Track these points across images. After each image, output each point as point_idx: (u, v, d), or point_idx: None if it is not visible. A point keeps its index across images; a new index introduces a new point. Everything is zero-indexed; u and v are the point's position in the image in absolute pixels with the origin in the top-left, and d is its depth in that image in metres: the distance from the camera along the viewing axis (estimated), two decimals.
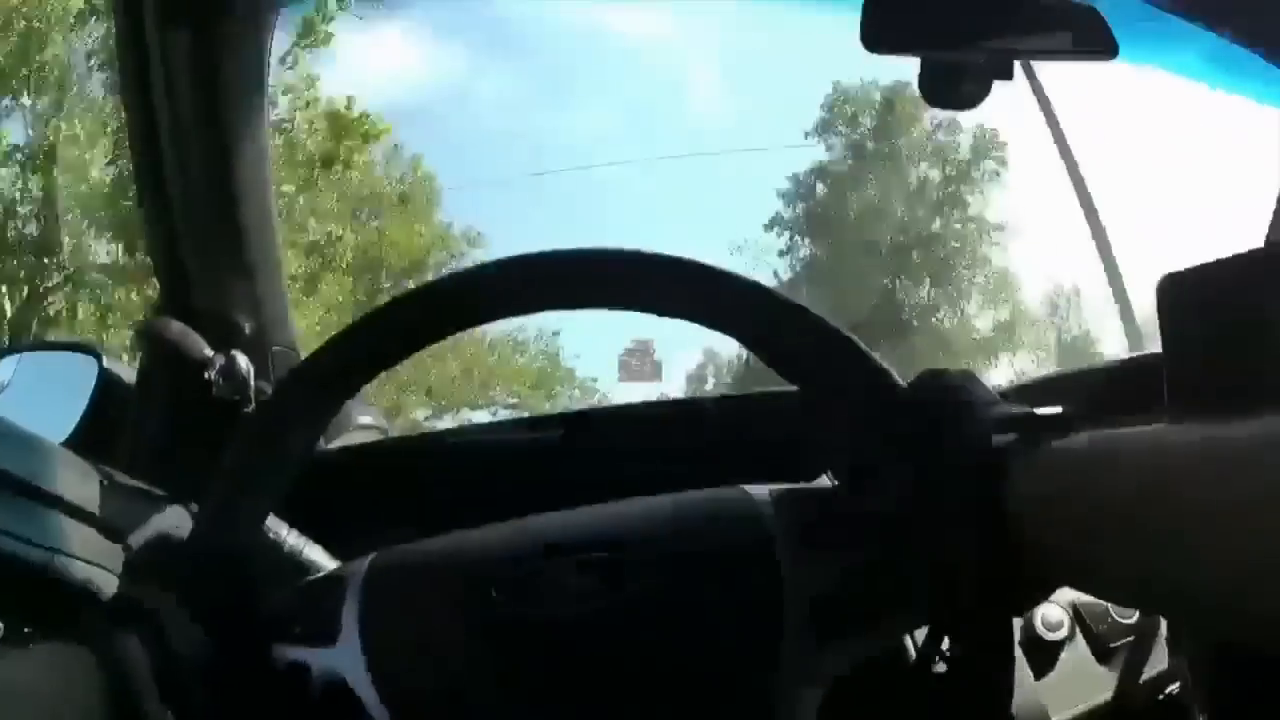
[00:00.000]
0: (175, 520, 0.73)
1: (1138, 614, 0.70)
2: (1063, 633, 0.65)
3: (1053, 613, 0.66)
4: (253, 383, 0.72)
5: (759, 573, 0.43)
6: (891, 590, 0.42)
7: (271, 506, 0.51)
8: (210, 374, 0.73)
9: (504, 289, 0.47)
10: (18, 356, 1.30)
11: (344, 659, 0.46)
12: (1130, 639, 0.69)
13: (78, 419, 0.94)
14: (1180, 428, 0.36)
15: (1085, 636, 0.68)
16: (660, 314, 0.46)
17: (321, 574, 0.53)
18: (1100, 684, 0.67)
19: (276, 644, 0.48)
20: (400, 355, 0.47)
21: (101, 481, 0.87)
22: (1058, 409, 0.39)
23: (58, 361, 1.26)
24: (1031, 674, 0.64)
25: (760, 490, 0.47)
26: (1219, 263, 0.48)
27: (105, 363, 0.98)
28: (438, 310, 0.47)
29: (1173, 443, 0.33)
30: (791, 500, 0.46)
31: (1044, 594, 0.40)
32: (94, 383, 0.95)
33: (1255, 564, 0.27)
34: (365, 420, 0.88)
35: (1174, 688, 0.70)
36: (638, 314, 0.46)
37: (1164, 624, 0.71)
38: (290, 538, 0.55)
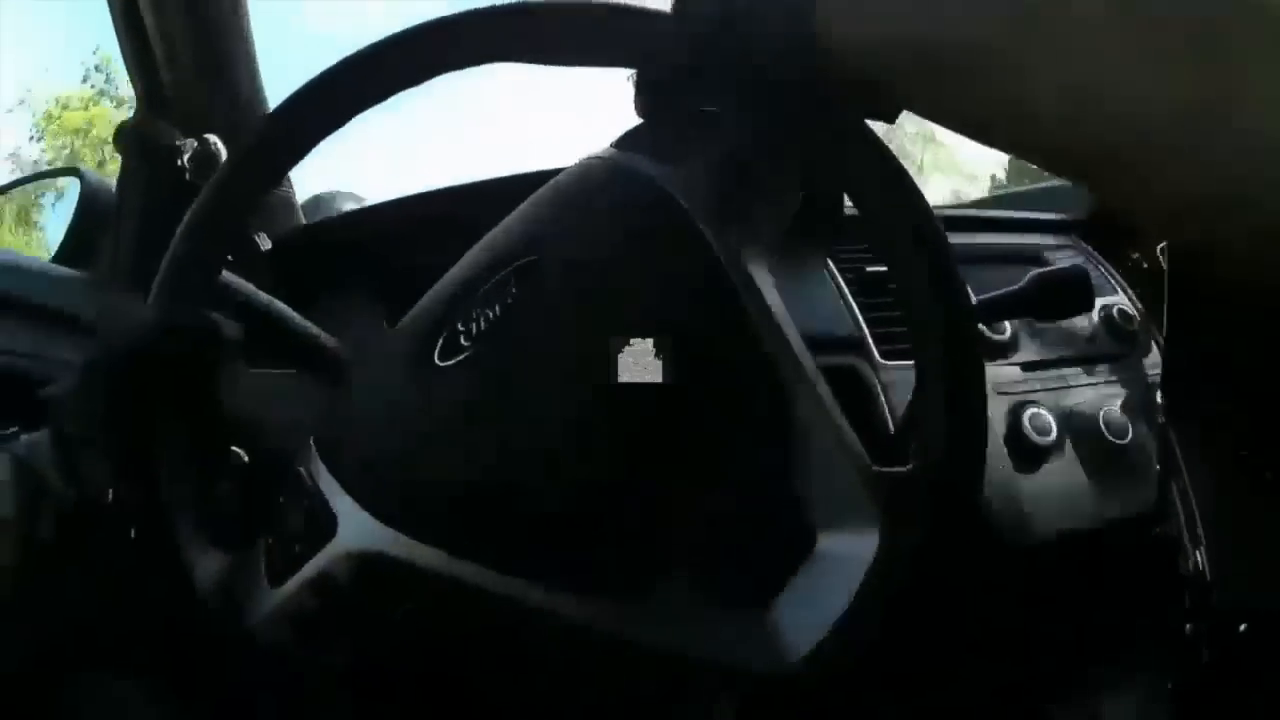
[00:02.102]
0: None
1: (1131, 435, 0.67)
2: (1050, 439, 0.63)
3: (1041, 418, 0.64)
4: None
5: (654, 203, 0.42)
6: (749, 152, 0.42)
7: (213, 274, 0.48)
8: (182, 160, 0.70)
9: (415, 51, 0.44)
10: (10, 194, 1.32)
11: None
12: (1122, 461, 0.67)
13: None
14: None
15: (1075, 450, 0.66)
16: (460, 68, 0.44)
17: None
18: (1087, 503, 0.65)
19: None
20: (345, 116, 0.45)
21: (82, 287, 0.87)
22: None
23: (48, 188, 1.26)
24: (1011, 464, 0.62)
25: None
26: None
27: (88, 178, 0.97)
28: (383, 69, 0.45)
29: None
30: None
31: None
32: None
33: (1097, 81, 0.28)
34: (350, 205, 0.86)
35: (1166, 526, 0.68)
36: None
37: (1154, 450, 0.69)
38: (272, 307, 0.52)
